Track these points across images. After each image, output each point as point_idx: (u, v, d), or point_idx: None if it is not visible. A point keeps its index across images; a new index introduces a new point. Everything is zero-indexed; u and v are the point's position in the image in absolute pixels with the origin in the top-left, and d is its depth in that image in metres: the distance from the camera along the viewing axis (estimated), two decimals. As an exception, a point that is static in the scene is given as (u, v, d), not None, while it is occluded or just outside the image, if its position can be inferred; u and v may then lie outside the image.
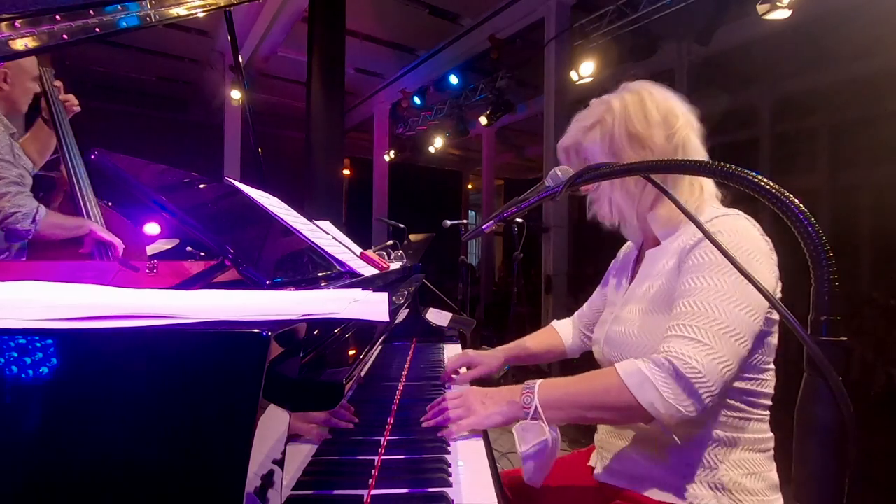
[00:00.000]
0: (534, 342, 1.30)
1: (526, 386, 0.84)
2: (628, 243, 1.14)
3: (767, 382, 0.86)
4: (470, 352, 1.26)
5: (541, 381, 0.84)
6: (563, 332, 1.31)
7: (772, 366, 0.87)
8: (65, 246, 1.66)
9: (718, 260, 0.79)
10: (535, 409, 0.80)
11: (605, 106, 0.96)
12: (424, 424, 0.87)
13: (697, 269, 0.81)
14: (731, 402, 0.83)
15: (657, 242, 0.97)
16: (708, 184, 0.94)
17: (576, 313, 1.31)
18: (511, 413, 0.83)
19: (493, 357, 1.23)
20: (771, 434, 0.87)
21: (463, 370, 1.22)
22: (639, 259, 1.05)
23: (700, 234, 0.80)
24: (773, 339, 0.85)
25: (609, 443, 0.98)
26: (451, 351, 1.53)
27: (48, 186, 1.77)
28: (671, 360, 0.74)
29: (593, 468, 1.01)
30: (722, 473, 0.82)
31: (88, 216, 1.73)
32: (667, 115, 0.92)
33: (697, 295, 0.78)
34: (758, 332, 0.78)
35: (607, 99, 0.97)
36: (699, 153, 0.94)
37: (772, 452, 0.87)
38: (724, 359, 0.73)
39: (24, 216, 1.56)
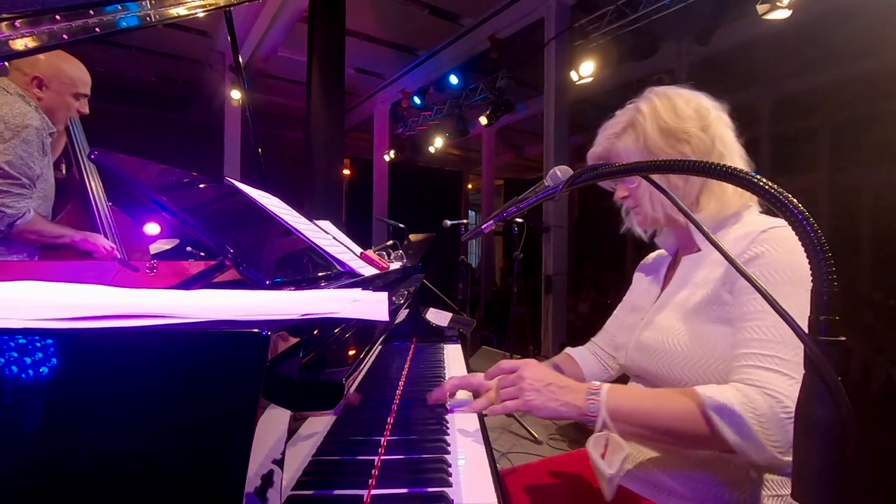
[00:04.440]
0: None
1: (591, 389, 0.77)
2: (659, 251, 1.10)
3: None
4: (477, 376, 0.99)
5: (606, 386, 0.77)
6: (580, 359, 1.17)
7: None
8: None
9: (786, 277, 0.74)
10: (603, 421, 0.74)
11: (634, 109, 0.95)
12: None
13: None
14: None
15: (694, 248, 0.95)
16: None
17: (594, 338, 1.21)
18: (568, 414, 0.77)
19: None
20: None
21: (462, 394, 1.03)
22: (673, 265, 1.03)
23: (752, 243, 0.78)
24: None
25: (633, 447, 0.92)
26: (452, 351, 1.53)
27: (66, 189, 1.76)
28: (768, 395, 0.67)
29: None
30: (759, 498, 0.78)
31: (100, 217, 1.76)
32: (698, 109, 0.91)
33: (771, 319, 0.72)
34: None
35: (634, 104, 0.96)
36: (735, 148, 0.92)
37: None
38: None
39: (4, 217, 1.53)
